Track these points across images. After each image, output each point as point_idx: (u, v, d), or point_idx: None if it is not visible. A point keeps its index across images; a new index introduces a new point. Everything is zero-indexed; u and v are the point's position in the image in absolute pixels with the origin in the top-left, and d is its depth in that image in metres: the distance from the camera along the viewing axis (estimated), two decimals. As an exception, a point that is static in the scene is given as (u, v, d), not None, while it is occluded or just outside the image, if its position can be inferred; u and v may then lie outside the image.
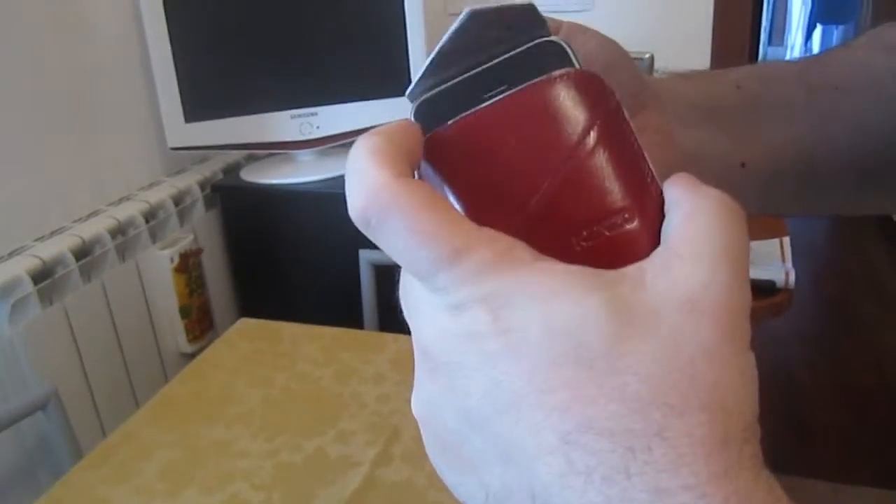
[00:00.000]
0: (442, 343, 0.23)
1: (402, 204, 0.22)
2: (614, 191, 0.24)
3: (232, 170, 1.76)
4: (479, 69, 0.26)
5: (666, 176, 0.25)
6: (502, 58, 0.26)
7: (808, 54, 0.49)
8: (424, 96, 0.26)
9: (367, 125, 1.42)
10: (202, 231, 1.63)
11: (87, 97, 1.43)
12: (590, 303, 0.21)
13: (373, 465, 0.87)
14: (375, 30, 1.68)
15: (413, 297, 0.24)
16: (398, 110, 1.70)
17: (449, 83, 0.26)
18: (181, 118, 1.53)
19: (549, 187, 0.24)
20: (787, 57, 5.64)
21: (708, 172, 0.38)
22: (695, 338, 0.21)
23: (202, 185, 1.64)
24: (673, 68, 1.86)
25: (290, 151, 1.68)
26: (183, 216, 1.58)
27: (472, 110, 0.25)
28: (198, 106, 1.55)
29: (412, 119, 0.26)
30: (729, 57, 1.83)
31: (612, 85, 0.26)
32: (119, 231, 1.39)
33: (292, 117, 1.62)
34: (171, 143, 1.55)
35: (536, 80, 0.25)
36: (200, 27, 1.55)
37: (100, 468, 0.91)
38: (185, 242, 1.52)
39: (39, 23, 1.33)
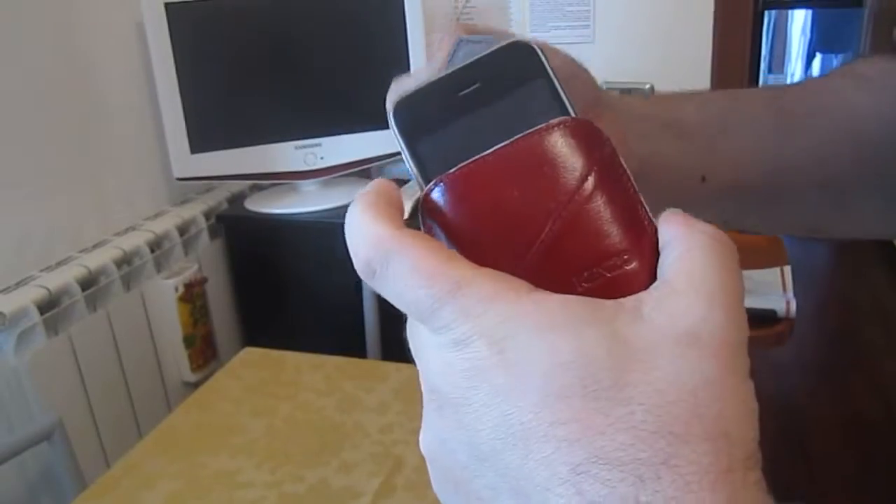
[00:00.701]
0: (448, 379, 0.23)
1: (403, 249, 0.23)
2: (612, 234, 0.25)
3: (236, 200, 1.77)
4: (453, 69, 0.27)
5: None
6: (475, 58, 0.27)
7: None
8: (401, 97, 0.26)
9: (371, 156, 1.43)
10: (206, 260, 1.64)
11: (93, 128, 1.45)
12: (591, 334, 0.21)
13: (375, 495, 0.87)
14: (379, 62, 1.70)
15: (419, 339, 0.25)
16: (401, 141, 1.72)
17: (423, 84, 0.27)
18: (187, 149, 1.55)
19: (549, 233, 0.24)
20: (788, 85, 5.68)
21: (664, 184, 0.39)
22: (696, 369, 0.21)
23: (207, 215, 1.65)
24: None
25: (295, 181, 1.69)
26: (188, 246, 1.59)
27: (472, 159, 0.25)
28: (203, 137, 1.57)
29: (391, 121, 0.26)
30: (729, 86, 1.85)
31: (571, 94, 0.27)
32: (124, 261, 1.40)
33: (296, 148, 1.64)
34: (177, 173, 1.56)
35: (534, 128, 0.25)
36: (206, 60, 1.57)
37: (103, 499, 0.91)
38: (190, 272, 1.53)
39: (48, 55, 1.35)
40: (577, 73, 0.36)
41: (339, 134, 1.67)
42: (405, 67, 1.69)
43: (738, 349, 0.22)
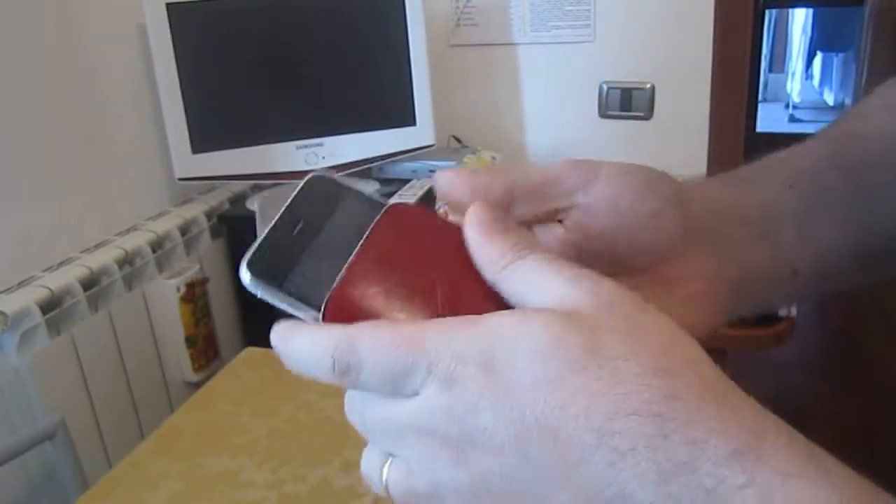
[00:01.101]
0: (454, 418, 0.25)
1: (360, 335, 0.26)
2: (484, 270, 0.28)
3: (238, 200, 1.77)
4: (275, 218, 0.30)
5: (717, 323, 0.33)
6: (288, 202, 0.30)
7: (824, 127, 0.45)
8: (246, 258, 0.29)
9: (372, 155, 1.43)
10: (208, 260, 1.64)
11: (95, 128, 1.45)
12: (552, 323, 0.24)
13: (377, 496, 0.87)
14: (380, 61, 1.70)
15: (382, 412, 0.28)
16: (402, 140, 1.72)
17: (259, 239, 0.29)
18: (188, 149, 1.55)
19: (444, 297, 0.28)
20: (788, 83, 5.68)
21: (759, 288, 0.38)
22: (642, 319, 0.25)
23: (208, 215, 1.66)
24: (674, 97, 1.88)
25: (296, 182, 1.69)
26: (189, 246, 1.59)
27: (343, 270, 0.28)
28: (205, 137, 1.57)
29: (247, 282, 0.29)
30: (729, 85, 1.85)
31: (654, 236, 0.32)
32: (126, 261, 1.40)
33: (298, 148, 1.64)
34: (179, 173, 1.56)
35: (370, 228, 0.29)
36: (208, 60, 1.57)
37: (106, 499, 0.91)
38: (192, 272, 1.53)
39: (49, 56, 1.35)
40: (662, 212, 0.34)
41: (341, 134, 1.67)
42: (406, 66, 1.69)
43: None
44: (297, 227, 0.29)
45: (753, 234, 0.37)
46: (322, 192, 0.30)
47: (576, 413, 0.23)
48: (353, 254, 0.28)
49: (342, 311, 0.27)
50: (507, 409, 0.24)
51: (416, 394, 0.26)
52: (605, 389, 0.23)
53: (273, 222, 0.29)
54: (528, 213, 0.33)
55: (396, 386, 0.26)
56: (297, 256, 0.28)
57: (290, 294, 0.28)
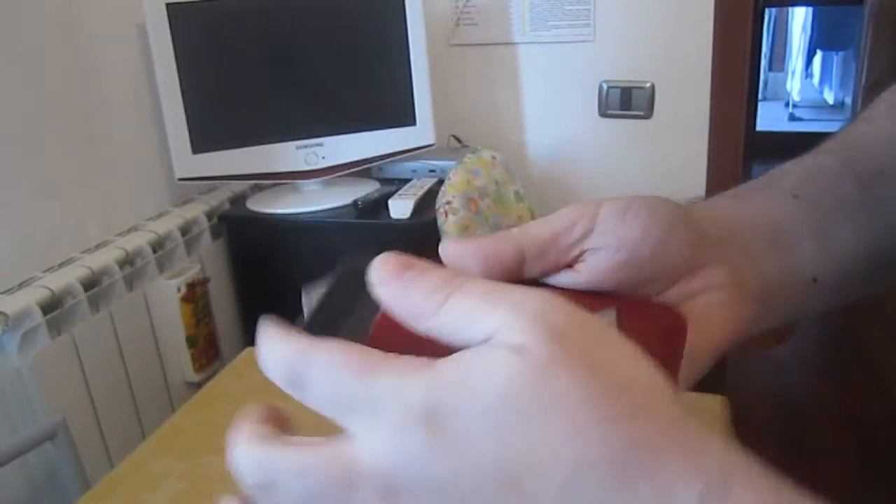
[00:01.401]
0: (394, 465, 0.23)
1: (315, 348, 0.26)
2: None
3: (238, 200, 1.77)
4: (313, 311, 0.31)
5: (740, 333, 0.34)
6: (324, 293, 0.32)
7: (832, 135, 0.45)
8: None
9: (372, 155, 1.44)
10: (209, 261, 1.64)
11: (95, 129, 1.46)
12: (494, 371, 0.23)
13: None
14: (380, 61, 1.71)
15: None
16: (402, 140, 1.72)
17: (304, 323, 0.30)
18: (188, 149, 1.56)
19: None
20: (788, 82, 5.67)
21: (780, 298, 0.37)
22: (608, 359, 0.24)
23: (209, 216, 1.66)
24: (674, 96, 1.88)
25: (296, 181, 1.70)
26: (190, 246, 1.59)
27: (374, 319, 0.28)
28: (205, 137, 1.57)
29: None
30: (729, 84, 1.85)
31: (664, 261, 0.32)
32: (127, 261, 1.40)
33: (298, 148, 1.64)
34: (179, 173, 1.57)
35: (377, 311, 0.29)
36: (207, 60, 1.58)
37: (107, 499, 0.91)
38: (192, 272, 1.53)
39: (49, 56, 1.35)
40: (665, 237, 0.34)
41: (341, 133, 1.67)
42: (405, 66, 1.69)
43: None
44: (333, 310, 0.30)
45: (765, 245, 0.37)
46: (353, 275, 0.31)
47: (537, 465, 0.22)
48: (366, 332, 0.28)
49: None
50: (460, 461, 0.22)
51: (352, 436, 0.24)
52: (564, 440, 0.22)
53: (313, 307, 0.31)
54: (540, 271, 0.33)
55: (339, 415, 0.25)
56: (335, 334, 0.28)
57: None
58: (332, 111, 1.69)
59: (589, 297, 0.32)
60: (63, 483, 1.16)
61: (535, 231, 0.33)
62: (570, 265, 0.33)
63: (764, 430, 2.06)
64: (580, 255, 0.33)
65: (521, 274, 0.32)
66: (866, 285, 0.41)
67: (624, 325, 0.31)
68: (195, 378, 1.55)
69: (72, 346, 1.27)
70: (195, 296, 1.53)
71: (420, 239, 1.58)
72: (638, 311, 0.33)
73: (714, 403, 0.99)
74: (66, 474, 1.15)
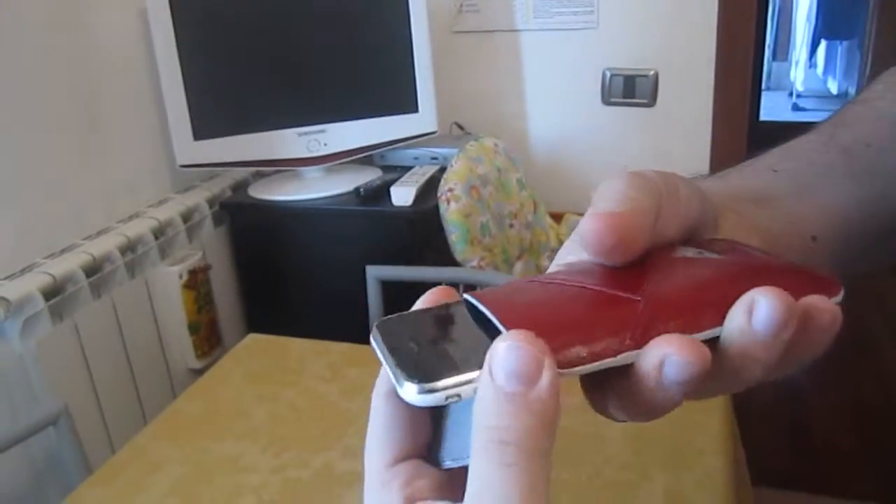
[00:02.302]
0: None
1: None
2: None
3: (240, 187, 1.77)
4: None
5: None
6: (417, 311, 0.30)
7: (828, 117, 0.46)
8: (403, 377, 0.26)
9: (374, 142, 1.43)
10: (210, 247, 1.64)
11: (97, 116, 1.45)
12: None
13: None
14: (382, 48, 1.70)
15: None
16: (405, 127, 1.72)
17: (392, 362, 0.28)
18: (190, 136, 1.55)
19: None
20: (792, 71, 5.65)
21: (789, 249, 0.38)
22: None
23: (210, 203, 1.66)
24: (677, 84, 1.87)
25: (298, 168, 1.69)
26: (191, 233, 1.59)
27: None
28: (206, 124, 1.57)
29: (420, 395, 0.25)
30: (733, 73, 1.84)
31: (669, 221, 0.32)
32: (129, 248, 1.40)
33: (299, 135, 1.64)
34: (180, 160, 1.56)
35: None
36: (209, 47, 1.57)
37: (109, 484, 0.92)
38: (194, 259, 1.53)
39: (51, 43, 1.35)
40: (673, 207, 0.33)
41: (343, 120, 1.67)
42: (408, 54, 1.69)
43: None
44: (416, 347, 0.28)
45: (750, 205, 0.38)
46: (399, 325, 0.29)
47: None
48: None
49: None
50: None
51: None
52: None
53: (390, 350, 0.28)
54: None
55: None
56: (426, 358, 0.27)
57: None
58: (333, 98, 1.68)
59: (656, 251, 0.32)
60: (65, 468, 1.17)
61: (636, 198, 0.31)
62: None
63: (766, 417, 2.06)
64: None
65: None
66: (868, 254, 0.42)
67: (714, 248, 0.32)
68: (196, 364, 1.55)
69: (73, 332, 1.27)
70: (197, 282, 1.53)
71: (422, 226, 1.58)
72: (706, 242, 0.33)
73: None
74: (67, 459, 1.15)
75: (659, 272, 0.29)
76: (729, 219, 0.36)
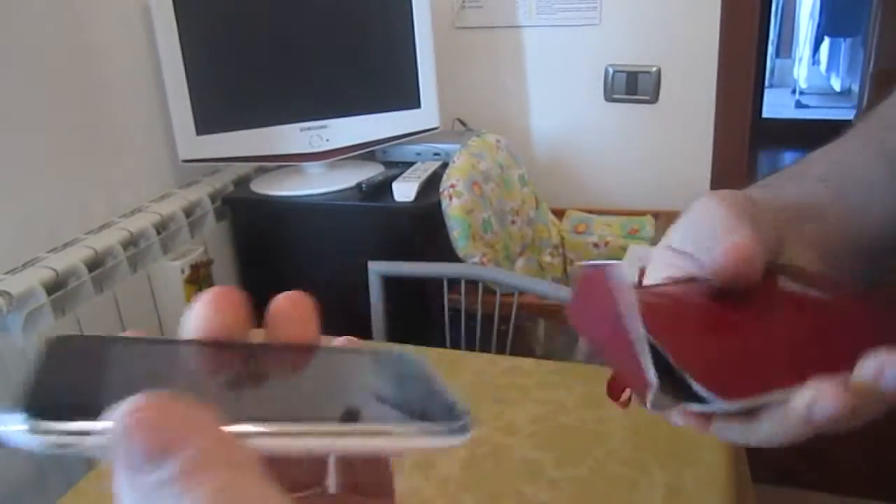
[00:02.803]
0: None
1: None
2: None
3: (242, 182, 1.77)
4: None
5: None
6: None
7: (870, 114, 0.47)
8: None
9: (376, 138, 1.43)
10: (213, 242, 1.64)
11: (100, 111, 1.45)
12: None
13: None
14: (385, 44, 1.70)
15: None
16: (407, 123, 1.72)
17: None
18: (192, 131, 1.55)
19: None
20: (795, 69, 5.64)
21: (838, 260, 0.40)
22: None
23: (213, 197, 1.66)
24: (680, 81, 1.87)
25: (300, 164, 1.70)
26: (194, 228, 1.59)
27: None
28: (209, 119, 1.57)
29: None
30: (736, 69, 1.84)
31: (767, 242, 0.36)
32: (131, 242, 1.41)
33: (302, 130, 1.64)
34: (183, 155, 1.56)
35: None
36: (212, 42, 1.57)
37: (111, 478, 0.92)
38: (196, 254, 1.53)
39: (53, 38, 1.35)
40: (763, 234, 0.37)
41: (345, 116, 1.67)
42: (410, 49, 1.68)
43: None
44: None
45: (802, 220, 0.40)
46: (70, 347, 0.24)
47: None
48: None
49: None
50: None
51: None
52: None
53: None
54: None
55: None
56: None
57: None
58: (336, 94, 1.68)
59: (826, 279, 0.37)
60: (67, 462, 1.17)
61: (739, 232, 0.36)
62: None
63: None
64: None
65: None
66: None
67: (804, 280, 0.36)
68: (198, 359, 1.55)
69: (76, 326, 1.27)
70: (199, 277, 1.53)
71: (423, 222, 1.58)
72: (788, 272, 0.37)
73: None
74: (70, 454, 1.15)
75: (788, 312, 0.34)
76: (790, 239, 0.38)
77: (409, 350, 0.29)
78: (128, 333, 0.25)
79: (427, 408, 0.23)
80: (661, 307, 0.32)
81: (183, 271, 1.50)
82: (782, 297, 0.35)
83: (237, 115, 1.61)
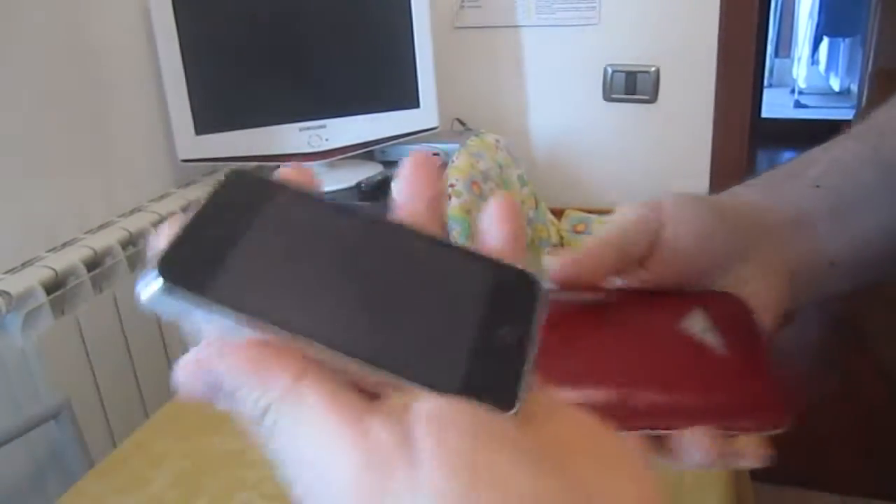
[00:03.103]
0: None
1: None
2: None
3: (241, 182, 1.77)
4: (192, 215, 0.24)
5: (780, 315, 0.37)
6: (207, 198, 0.25)
7: (871, 116, 0.46)
8: (157, 260, 0.22)
9: (376, 137, 1.43)
10: (212, 242, 1.64)
11: (99, 110, 1.45)
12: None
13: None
14: (384, 43, 1.70)
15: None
16: (406, 122, 1.72)
17: (170, 241, 0.23)
18: (191, 130, 1.55)
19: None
20: (794, 68, 5.64)
21: (803, 280, 0.41)
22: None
23: (212, 197, 1.65)
24: (679, 81, 1.87)
25: (299, 163, 1.69)
26: (193, 228, 1.59)
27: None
28: (208, 118, 1.57)
29: (157, 291, 0.22)
30: (735, 69, 1.84)
31: (711, 255, 0.38)
32: (130, 242, 1.41)
33: (301, 130, 1.64)
34: (182, 155, 1.56)
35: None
36: (211, 40, 1.57)
37: (111, 478, 0.92)
38: (195, 254, 1.53)
39: (52, 38, 1.35)
40: (712, 233, 0.38)
41: (344, 116, 1.67)
42: (409, 49, 1.68)
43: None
44: (217, 228, 0.23)
45: (790, 233, 0.40)
46: (245, 189, 0.24)
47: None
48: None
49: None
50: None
51: None
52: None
53: (187, 221, 0.23)
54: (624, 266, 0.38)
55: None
56: (218, 260, 0.22)
57: (216, 300, 0.22)
58: (335, 93, 1.68)
59: (672, 300, 0.37)
60: (66, 462, 1.17)
61: (614, 232, 0.37)
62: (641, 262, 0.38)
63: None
64: (651, 250, 0.37)
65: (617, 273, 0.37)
66: (878, 271, 0.44)
67: (717, 322, 0.35)
68: (198, 359, 1.55)
69: (75, 326, 1.27)
70: (198, 277, 1.53)
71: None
72: (715, 304, 0.37)
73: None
74: (69, 453, 1.15)
75: (672, 356, 0.35)
76: (761, 251, 0.39)
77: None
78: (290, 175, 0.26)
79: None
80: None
81: (182, 271, 1.49)
82: (676, 346, 0.36)
83: (236, 114, 1.61)
